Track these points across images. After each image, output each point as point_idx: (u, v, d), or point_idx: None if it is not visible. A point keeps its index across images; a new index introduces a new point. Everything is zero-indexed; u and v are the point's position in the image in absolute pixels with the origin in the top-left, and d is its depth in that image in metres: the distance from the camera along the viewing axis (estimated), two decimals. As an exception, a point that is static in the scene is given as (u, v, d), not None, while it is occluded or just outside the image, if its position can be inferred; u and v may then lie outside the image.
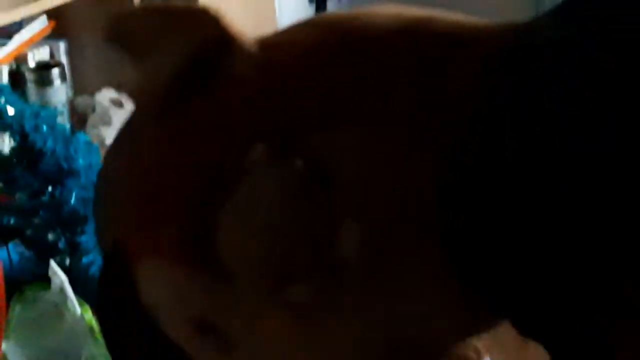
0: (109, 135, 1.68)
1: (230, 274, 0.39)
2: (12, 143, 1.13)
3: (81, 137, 1.17)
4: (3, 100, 1.08)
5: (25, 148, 1.12)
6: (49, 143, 1.13)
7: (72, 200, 1.19)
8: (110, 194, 0.48)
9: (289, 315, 0.39)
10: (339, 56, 0.40)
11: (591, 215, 0.31)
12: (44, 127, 1.12)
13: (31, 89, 1.59)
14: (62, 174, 1.17)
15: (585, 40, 0.33)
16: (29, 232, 1.24)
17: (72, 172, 1.16)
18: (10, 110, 1.10)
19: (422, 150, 0.36)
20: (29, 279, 1.26)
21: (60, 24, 1.77)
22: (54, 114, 1.15)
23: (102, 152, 1.77)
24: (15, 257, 1.28)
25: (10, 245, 1.27)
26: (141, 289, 0.44)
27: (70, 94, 1.77)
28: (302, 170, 0.37)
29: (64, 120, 1.61)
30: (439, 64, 0.37)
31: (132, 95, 0.50)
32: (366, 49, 0.39)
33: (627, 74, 0.30)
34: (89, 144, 1.18)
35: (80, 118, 1.76)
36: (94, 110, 1.72)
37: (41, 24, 1.72)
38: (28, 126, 1.10)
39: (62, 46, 1.79)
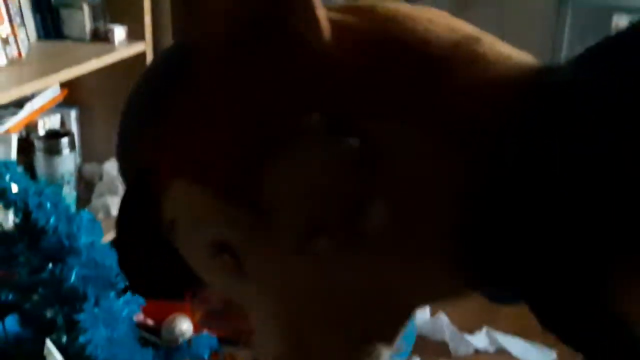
0: (115, 204, 1.68)
1: (266, 212, 0.45)
2: (16, 219, 1.13)
3: (85, 215, 1.16)
4: (8, 177, 1.08)
5: (27, 225, 1.11)
6: (52, 221, 1.12)
7: (72, 278, 1.17)
8: (152, 117, 0.51)
9: (306, 260, 0.45)
10: (402, 57, 0.46)
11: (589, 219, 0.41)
12: (48, 205, 1.12)
13: (39, 157, 1.59)
14: (63, 252, 1.16)
15: (598, 83, 0.42)
16: (27, 307, 1.23)
17: (73, 250, 1.16)
18: (15, 187, 1.09)
19: (453, 156, 0.44)
20: (24, 356, 1.24)
21: (73, 92, 1.80)
22: (59, 190, 1.15)
23: (108, 223, 1.77)
24: (11, 332, 1.26)
25: (8, 319, 1.25)
26: (167, 206, 0.49)
27: (79, 161, 1.78)
28: (356, 148, 0.44)
29: (70, 189, 1.61)
30: (479, 87, 0.45)
31: (190, 34, 0.50)
32: (425, 57, 0.46)
33: (625, 111, 0.40)
34: (92, 221, 1.17)
35: (87, 185, 1.77)
36: (101, 178, 1.72)
37: (53, 92, 1.74)
38: (32, 203, 1.10)
39: (73, 114, 1.80)
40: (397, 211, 0.44)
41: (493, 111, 0.43)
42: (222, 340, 1.74)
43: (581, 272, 0.43)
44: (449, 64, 0.45)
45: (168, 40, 1.90)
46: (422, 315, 2.20)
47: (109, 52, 1.65)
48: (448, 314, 2.15)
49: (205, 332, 1.63)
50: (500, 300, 0.59)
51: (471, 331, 2.12)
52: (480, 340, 2.09)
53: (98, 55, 1.62)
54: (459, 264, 0.45)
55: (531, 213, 0.42)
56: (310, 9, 0.45)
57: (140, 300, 1.49)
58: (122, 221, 0.53)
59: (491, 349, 2.08)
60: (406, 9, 0.50)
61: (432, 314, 2.22)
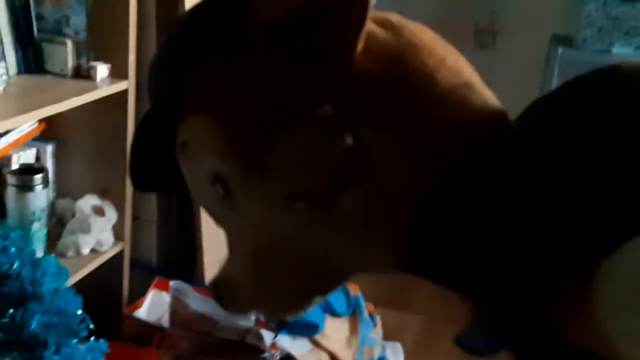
0: (86, 243, 1.66)
1: (265, 167, 0.55)
2: (-22, 263, 1.10)
3: (51, 260, 1.14)
4: (-27, 219, 1.06)
5: (-10, 270, 1.09)
6: (16, 265, 1.10)
7: (33, 324, 1.15)
8: (198, 57, 0.58)
9: (284, 213, 0.56)
10: (409, 84, 0.55)
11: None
12: (12, 249, 1.10)
13: (11, 192, 1.56)
14: (25, 297, 1.13)
15: (549, 135, 0.53)
16: (-16, 352, 1.19)
17: (36, 296, 1.13)
18: (-22, 231, 1.07)
19: (422, 173, 0.53)
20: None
21: (50, 126, 1.78)
22: (26, 234, 1.13)
23: (78, 261, 1.75)
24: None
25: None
26: (184, 131, 0.59)
27: (52, 196, 1.76)
28: (349, 144, 0.53)
29: (41, 226, 1.59)
30: (460, 127, 0.55)
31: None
32: (427, 91, 0.55)
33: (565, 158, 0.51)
34: (58, 266, 1.15)
35: (59, 221, 1.74)
36: (73, 215, 1.70)
37: (30, 126, 1.73)
38: (-5, 248, 1.08)
39: (49, 148, 1.78)
40: (365, 201, 0.54)
41: (465, 149, 0.55)
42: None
43: (515, 289, 0.55)
44: (443, 102, 0.55)
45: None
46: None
47: (90, 90, 1.64)
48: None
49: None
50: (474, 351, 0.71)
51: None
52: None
53: (79, 92, 1.61)
54: (402, 254, 0.56)
55: (472, 230, 0.54)
56: (360, 26, 0.53)
57: (103, 346, 1.46)
58: (143, 127, 0.66)
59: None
60: (428, 39, 0.59)
61: (405, 363, 2.20)
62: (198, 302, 1.58)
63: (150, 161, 0.65)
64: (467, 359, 2.20)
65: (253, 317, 1.59)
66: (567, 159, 0.50)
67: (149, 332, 1.61)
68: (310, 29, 0.53)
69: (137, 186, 0.68)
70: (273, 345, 1.73)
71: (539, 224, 0.50)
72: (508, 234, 0.52)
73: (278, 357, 1.74)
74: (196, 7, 0.61)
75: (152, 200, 1.88)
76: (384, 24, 0.58)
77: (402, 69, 0.55)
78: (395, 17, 0.60)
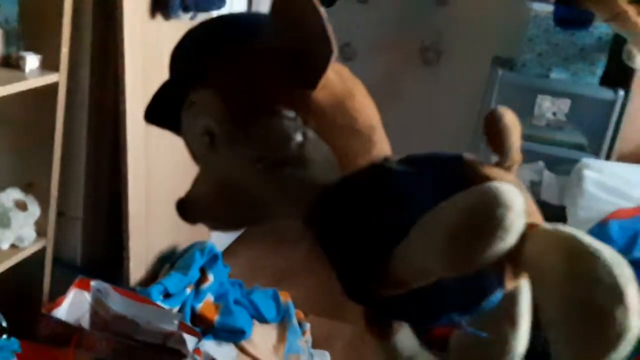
0: (5, 237, 1.60)
1: (246, 137, 0.82)
2: None
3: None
4: None
5: None
6: None
7: None
8: (221, 50, 0.86)
9: (248, 167, 0.83)
10: (337, 119, 0.84)
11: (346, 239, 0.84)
12: None
13: None
14: None
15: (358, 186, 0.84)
16: None
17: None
18: None
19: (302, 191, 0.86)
20: None
21: (-24, 117, 1.72)
22: None
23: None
24: None
25: None
26: (195, 95, 0.86)
27: (-27, 188, 1.69)
28: (304, 139, 0.81)
29: (-42, 216, 1.53)
30: (348, 164, 0.85)
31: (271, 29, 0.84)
32: (354, 120, 0.86)
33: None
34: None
35: (-22, 214, 1.67)
36: (-6, 208, 1.64)
37: (-45, 116, 1.67)
38: None
39: (-26, 139, 1.72)
40: (295, 177, 0.82)
41: (344, 172, 0.84)
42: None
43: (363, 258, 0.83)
44: (357, 135, 0.85)
45: (84, 73, 1.85)
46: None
47: (18, 80, 1.59)
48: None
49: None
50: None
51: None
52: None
53: (6, 82, 1.56)
54: (306, 215, 0.87)
55: (329, 218, 0.86)
56: (323, 71, 0.80)
57: (15, 345, 1.41)
58: (164, 87, 0.93)
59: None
60: (359, 90, 0.89)
61: (333, 374, 2.19)
62: (119, 304, 1.54)
63: (160, 106, 0.94)
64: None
65: (176, 322, 1.56)
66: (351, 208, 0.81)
67: (67, 332, 1.56)
68: (295, 62, 0.79)
69: (146, 117, 0.98)
70: (196, 350, 1.69)
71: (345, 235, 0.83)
72: (335, 233, 0.84)
73: (201, 363, 1.71)
74: (222, 20, 0.91)
75: (78, 197, 1.83)
76: (338, 71, 0.87)
77: (341, 106, 0.84)
78: (345, 70, 0.90)
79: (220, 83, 0.82)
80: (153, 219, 1.99)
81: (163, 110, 0.92)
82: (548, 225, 0.71)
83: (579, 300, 0.61)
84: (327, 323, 2.47)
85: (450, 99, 3.24)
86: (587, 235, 0.68)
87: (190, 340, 1.57)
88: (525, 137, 2.87)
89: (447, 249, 0.66)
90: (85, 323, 1.60)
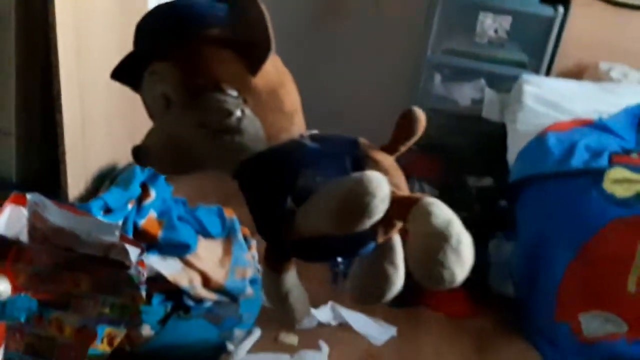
0: None
1: (195, 105, 1.00)
2: None
3: None
4: None
5: None
6: None
7: None
8: (181, 35, 1.02)
9: (194, 129, 1.00)
10: (275, 96, 1.05)
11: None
12: None
13: None
14: None
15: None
16: None
17: None
18: None
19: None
20: None
21: None
22: None
23: None
24: None
25: None
26: (156, 66, 1.02)
27: None
28: (242, 115, 0.99)
29: None
30: (278, 132, 1.07)
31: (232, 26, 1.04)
32: (281, 104, 1.06)
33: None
34: None
35: None
36: None
37: None
38: None
39: None
40: (231, 144, 1.00)
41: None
42: (47, 304, 1.64)
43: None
44: (282, 116, 1.04)
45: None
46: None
47: None
48: (295, 289, 2.15)
49: (23, 294, 1.52)
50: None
51: (316, 306, 2.13)
52: (324, 314, 2.11)
53: None
54: (235, 172, 1.07)
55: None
56: (263, 61, 1.00)
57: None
58: (129, 56, 1.07)
59: (334, 323, 2.11)
60: (288, 79, 1.08)
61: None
62: (58, 217, 1.50)
63: (125, 70, 1.08)
64: (339, 287, 2.24)
65: (117, 233, 1.53)
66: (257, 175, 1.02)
67: (3, 246, 1.52)
68: (240, 50, 0.97)
69: (112, 75, 1.10)
70: (140, 263, 1.68)
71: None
72: (255, 188, 1.05)
73: (145, 275, 1.70)
74: (188, 5, 1.03)
75: (10, 111, 1.76)
76: (274, 64, 1.05)
77: (273, 92, 1.02)
78: (278, 62, 1.07)
79: (179, 59, 0.98)
80: (90, 136, 1.94)
81: (127, 73, 1.06)
82: (411, 195, 0.97)
83: (422, 247, 0.89)
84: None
85: (392, 19, 3.21)
86: (436, 204, 0.92)
87: (133, 252, 1.56)
88: (468, 55, 2.88)
89: (333, 220, 0.89)
90: (24, 238, 1.56)
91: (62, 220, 1.51)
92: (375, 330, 2.12)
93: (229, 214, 2.11)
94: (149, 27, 1.02)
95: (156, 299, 1.78)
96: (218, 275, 1.85)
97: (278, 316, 1.23)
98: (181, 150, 1.01)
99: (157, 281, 1.79)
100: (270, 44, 0.96)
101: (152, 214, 1.88)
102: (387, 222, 0.95)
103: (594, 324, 2.05)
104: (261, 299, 2.06)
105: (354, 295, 1.19)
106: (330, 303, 2.17)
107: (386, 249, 1.08)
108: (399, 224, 1.03)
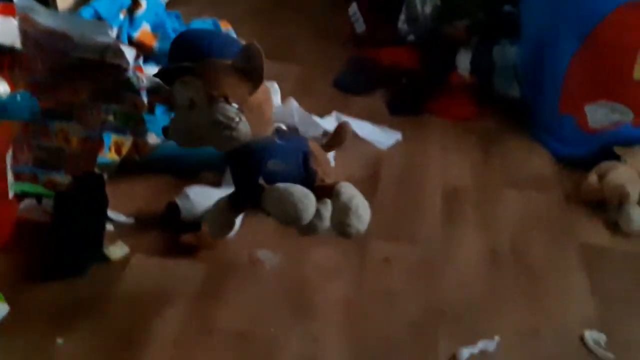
0: None
1: (213, 109, 1.33)
2: None
3: None
4: None
5: None
6: None
7: None
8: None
9: (210, 123, 1.33)
10: (263, 110, 1.40)
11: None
12: None
13: None
14: None
15: None
16: None
17: None
18: None
19: None
20: None
21: None
22: None
23: None
24: None
25: None
26: (186, 78, 1.36)
27: None
28: (239, 119, 1.33)
29: None
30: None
31: None
32: (268, 117, 1.43)
33: None
34: None
35: None
36: None
37: None
38: None
39: None
40: (230, 137, 1.33)
41: None
42: (51, 114, 1.64)
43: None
44: (266, 125, 1.40)
45: None
46: (273, 101, 2.18)
47: None
48: (299, 103, 2.15)
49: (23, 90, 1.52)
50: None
51: (321, 115, 2.13)
52: (329, 122, 2.11)
53: None
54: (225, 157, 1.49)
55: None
56: (259, 85, 1.35)
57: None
58: (166, 68, 1.40)
59: (339, 131, 2.11)
60: (268, 100, 1.39)
61: (282, 100, 2.21)
62: (48, 18, 1.46)
63: (164, 75, 1.39)
64: (342, 99, 2.25)
65: (111, 32, 1.50)
66: None
67: (-2, 56, 1.50)
68: (242, 76, 1.31)
69: (155, 75, 1.41)
70: (138, 68, 1.66)
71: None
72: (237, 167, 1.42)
73: (144, 82, 1.68)
74: (213, 37, 1.41)
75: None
76: (261, 88, 1.34)
77: (259, 106, 1.34)
78: (263, 86, 1.35)
79: (203, 77, 1.31)
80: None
81: (164, 76, 1.40)
82: (331, 183, 1.37)
83: (337, 214, 1.33)
84: (275, 65, 2.45)
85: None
86: (345, 186, 1.34)
87: (129, 53, 1.53)
88: None
89: (280, 223, 1.34)
90: (17, 45, 1.53)
91: (53, 22, 1.47)
92: (380, 135, 2.13)
93: (225, 25, 2.06)
94: (183, 50, 1.36)
95: (159, 109, 1.78)
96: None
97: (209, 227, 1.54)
98: (194, 134, 1.35)
99: (158, 92, 1.78)
100: (262, 75, 1.32)
101: (146, 27, 1.84)
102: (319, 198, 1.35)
103: (600, 114, 2.05)
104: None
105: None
106: (334, 113, 2.17)
107: (321, 211, 1.39)
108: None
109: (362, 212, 1.31)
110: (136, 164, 1.78)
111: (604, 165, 1.88)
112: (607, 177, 1.83)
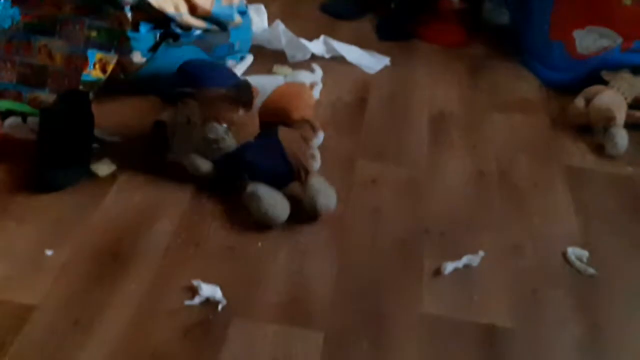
0: None
1: (200, 127, 1.59)
2: None
3: None
4: None
5: None
6: None
7: None
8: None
9: (203, 137, 1.57)
10: (240, 127, 1.62)
11: None
12: None
13: None
14: None
15: None
16: None
17: None
18: None
19: None
20: None
21: None
22: None
23: None
24: None
25: None
26: (187, 100, 1.59)
27: None
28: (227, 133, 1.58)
29: None
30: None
31: None
32: (244, 135, 1.62)
33: None
34: None
35: None
36: None
37: None
38: None
39: None
40: (219, 148, 1.55)
41: None
42: (34, 29, 1.61)
43: None
44: (241, 139, 1.59)
45: None
46: (259, 24, 2.15)
47: None
48: (286, 26, 2.12)
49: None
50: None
51: (309, 39, 2.11)
52: (316, 46, 2.09)
53: None
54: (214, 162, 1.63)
55: None
56: (247, 111, 1.66)
57: None
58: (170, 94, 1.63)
59: (327, 55, 2.10)
60: (251, 120, 1.62)
61: (269, 23, 2.17)
62: None
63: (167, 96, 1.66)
64: (330, 23, 2.21)
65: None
66: None
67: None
68: (234, 103, 1.55)
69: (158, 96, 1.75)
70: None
71: None
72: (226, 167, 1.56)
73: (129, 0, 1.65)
74: (209, 68, 1.64)
75: None
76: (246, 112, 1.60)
77: (243, 126, 1.59)
78: (248, 112, 1.60)
79: (200, 100, 1.53)
80: None
81: (168, 98, 1.65)
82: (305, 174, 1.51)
83: (308, 195, 1.48)
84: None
85: None
86: (314, 176, 1.50)
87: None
88: None
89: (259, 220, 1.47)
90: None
91: None
92: (369, 60, 2.12)
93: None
94: (190, 77, 1.57)
95: (144, 27, 1.75)
96: (204, 1, 1.80)
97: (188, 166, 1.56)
98: (191, 146, 1.54)
99: (142, 9, 1.74)
100: (252, 104, 1.57)
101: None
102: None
103: (588, 40, 2.04)
104: (252, 31, 2.03)
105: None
106: (322, 37, 2.14)
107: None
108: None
109: (330, 193, 1.48)
110: (122, 84, 1.75)
111: (591, 89, 1.88)
112: (593, 101, 1.83)
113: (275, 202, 1.44)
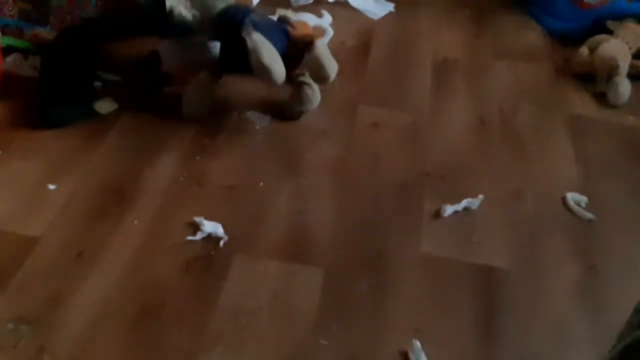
0: None
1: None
2: None
3: None
4: None
5: None
6: None
7: None
8: None
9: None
10: None
11: None
12: None
13: None
14: None
15: None
16: None
17: None
18: None
19: None
20: None
21: None
22: None
23: None
24: None
25: None
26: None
27: None
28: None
29: None
30: None
31: None
32: None
33: None
34: None
35: None
36: None
37: None
38: None
39: None
40: None
41: None
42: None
43: None
44: None
45: None
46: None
47: None
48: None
49: None
50: None
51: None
52: None
53: None
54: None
55: None
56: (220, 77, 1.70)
57: None
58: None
59: (331, 0, 2.07)
60: None
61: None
62: None
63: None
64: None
65: None
66: None
67: None
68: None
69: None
70: None
71: None
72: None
73: None
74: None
75: None
76: None
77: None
78: None
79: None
80: None
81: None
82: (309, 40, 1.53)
83: (314, 64, 1.52)
84: None
85: None
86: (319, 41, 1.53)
87: None
88: None
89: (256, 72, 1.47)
90: None
91: None
92: (373, 6, 2.09)
93: None
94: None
95: (146, -34, 1.72)
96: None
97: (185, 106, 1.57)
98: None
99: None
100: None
101: None
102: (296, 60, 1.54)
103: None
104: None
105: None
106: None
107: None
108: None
109: (332, 63, 1.53)
110: (127, 23, 1.73)
111: (596, 38, 1.87)
112: (598, 50, 1.82)
113: (276, 57, 1.45)
